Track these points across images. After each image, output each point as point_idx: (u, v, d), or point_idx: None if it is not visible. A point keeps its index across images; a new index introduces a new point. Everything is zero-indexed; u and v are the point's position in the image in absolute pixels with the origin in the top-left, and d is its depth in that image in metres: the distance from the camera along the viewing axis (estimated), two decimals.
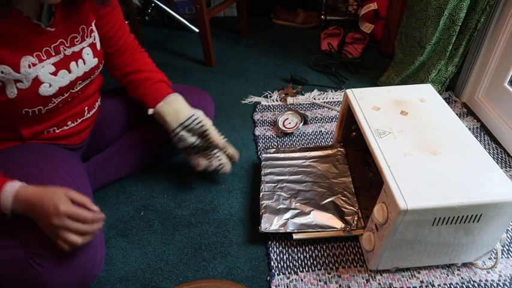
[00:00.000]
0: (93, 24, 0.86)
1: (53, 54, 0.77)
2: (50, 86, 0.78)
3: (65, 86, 0.82)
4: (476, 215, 0.71)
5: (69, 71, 0.81)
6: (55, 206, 0.67)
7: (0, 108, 0.73)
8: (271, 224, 0.91)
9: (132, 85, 0.99)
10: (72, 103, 0.88)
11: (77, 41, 0.82)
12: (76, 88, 0.86)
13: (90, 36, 0.85)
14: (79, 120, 0.91)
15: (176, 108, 0.94)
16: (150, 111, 0.95)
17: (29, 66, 0.73)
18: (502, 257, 0.89)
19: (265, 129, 1.30)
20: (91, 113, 0.95)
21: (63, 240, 0.67)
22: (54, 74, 0.78)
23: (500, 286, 0.83)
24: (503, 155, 1.16)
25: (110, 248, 0.94)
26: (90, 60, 0.86)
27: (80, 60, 0.84)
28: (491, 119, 1.25)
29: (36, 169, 0.79)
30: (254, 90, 1.51)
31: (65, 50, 0.79)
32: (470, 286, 0.83)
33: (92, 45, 0.86)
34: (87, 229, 0.70)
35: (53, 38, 0.77)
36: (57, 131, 0.87)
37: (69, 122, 0.89)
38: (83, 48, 0.84)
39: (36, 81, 0.76)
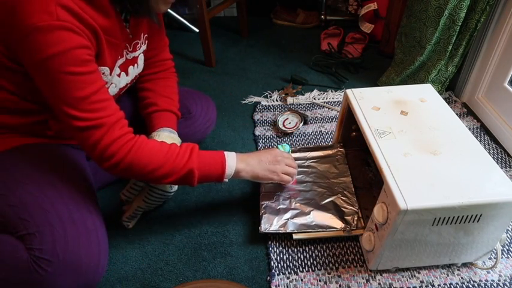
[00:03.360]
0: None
1: (120, 57, 0.81)
2: (115, 86, 0.83)
3: (122, 87, 0.87)
4: (476, 215, 0.71)
5: (127, 74, 0.86)
6: (273, 152, 0.91)
7: None
8: (271, 224, 0.91)
9: (143, 101, 1.00)
10: None
11: (138, 47, 0.86)
12: (123, 91, 0.90)
13: (145, 43, 0.90)
14: None
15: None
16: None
17: (115, 69, 0.79)
18: (502, 257, 0.89)
19: (265, 129, 1.30)
20: None
21: (279, 173, 0.90)
22: (119, 75, 0.83)
23: (500, 286, 0.83)
24: (503, 155, 1.16)
25: (110, 248, 0.93)
26: (141, 65, 0.92)
27: (136, 65, 0.88)
28: (491, 119, 1.25)
29: (48, 169, 0.79)
30: (254, 90, 1.51)
31: (127, 54, 0.83)
32: (470, 286, 0.83)
33: (145, 52, 0.91)
34: (295, 165, 0.95)
35: (126, 43, 0.81)
36: None
37: None
38: (140, 53, 0.89)
39: (111, 82, 0.81)
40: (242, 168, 0.85)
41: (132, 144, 0.74)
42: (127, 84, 0.89)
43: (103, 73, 0.76)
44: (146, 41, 0.90)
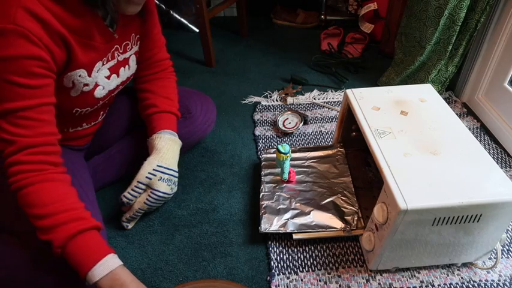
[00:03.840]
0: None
1: (110, 59, 0.80)
2: (103, 88, 0.82)
3: (112, 89, 0.86)
4: (476, 215, 0.71)
5: (118, 76, 0.85)
6: None
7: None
8: (271, 224, 0.91)
9: (143, 102, 1.00)
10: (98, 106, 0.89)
11: (128, 48, 0.85)
12: (115, 92, 0.89)
13: (137, 44, 0.89)
14: (92, 123, 0.93)
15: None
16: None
17: (97, 71, 0.78)
18: (502, 257, 0.89)
19: (265, 129, 1.30)
20: (103, 117, 0.96)
21: None
22: (108, 77, 0.82)
23: (500, 286, 0.83)
24: (503, 155, 1.16)
25: (110, 248, 0.93)
26: (133, 66, 0.91)
27: (127, 66, 0.87)
28: (491, 119, 1.25)
29: None
30: (254, 90, 1.51)
31: (118, 55, 0.83)
32: (470, 286, 0.83)
33: (136, 53, 0.90)
34: None
35: (114, 44, 0.80)
36: (71, 131, 0.88)
37: (84, 124, 0.90)
38: (131, 55, 0.88)
39: (96, 84, 0.79)
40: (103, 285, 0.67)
41: (36, 180, 0.66)
42: (118, 85, 0.88)
43: (79, 75, 0.74)
44: (138, 42, 0.90)
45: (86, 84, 0.77)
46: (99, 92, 0.82)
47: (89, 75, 0.76)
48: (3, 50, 0.59)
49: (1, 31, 0.57)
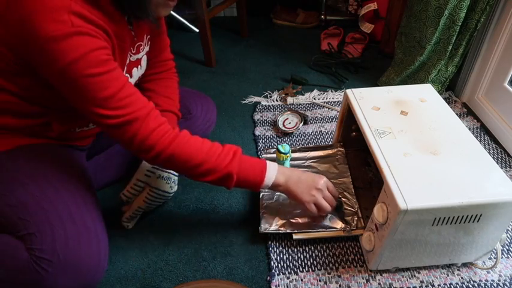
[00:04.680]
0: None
1: (126, 58, 0.81)
2: None
3: None
4: (476, 215, 0.71)
5: (131, 76, 0.86)
6: (316, 179, 0.85)
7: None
8: (271, 224, 0.91)
9: None
10: None
11: (141, 49, 0.86)
12: None
13: (148, 45, 0.90)
14: None
15: None
16: None
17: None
18: (502, 257, 0.89)
19: (265, 129, 1.30)
20: None
21: (318, 203, 0.85)
22: None
23: (500, 286, 0.83)
24: (503, 155, 1.16)
25: (110, 248, 0.93)
26: (144, 66, 0.91)
27: (139, 66, 0.88)
28: (491, 119, 1.25)
29: (48, 169, 0.79)
30: (254, 90, 1.51)
31: (130, 56, 0.83)
32: (470, 286, 0.83)
33: (147, 53, 0.91)
34: (334, 202, 0.88)
35: (131, 46, 0.81)
36: (78, 131, 0.88)
37: (91, 124, 0.90)
38: (143, 55, 0.88)
39: None
40: (281, 183, 0.82)
41: (173, 137, 0.73)
42: None
43: None
44: (149, 42, 0.90)
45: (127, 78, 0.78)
46: None
47: None
48: (74, 52, 0.61)
49: (66, 35, 0.60)
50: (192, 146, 0.75)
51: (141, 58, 0.88)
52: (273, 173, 0.81)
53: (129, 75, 0.85)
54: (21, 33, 0.61)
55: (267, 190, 1.00)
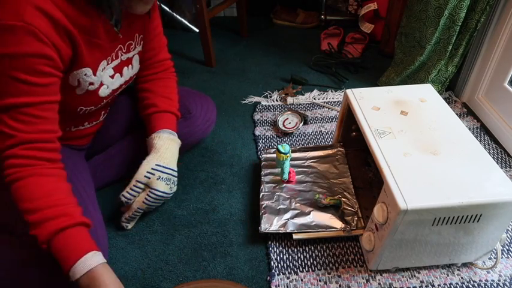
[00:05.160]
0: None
1: (114, 58, 0.81)
2: (107, 88, 0.83)
3: (115, 89, 0.86)
4: (476, 215, 0.71)
5: (121, 75, 0.86)
6: None
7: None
8: (271, 224, 0.91)
9: (143, 102, 1.00)
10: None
11: (132, 48, 0.86)
12: (118, 92, 0.90)
13: (140, 44, 0.89)
14: (94, 123, 0.93)
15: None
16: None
17: (102, 70, 0.78)
18: (502, 257, 0.89)
19: (265, 129, 1.30)
20: (104, 117, 0.96)
21: None
22: (112, 77, 0.83)
23: (500, 286, 0.83)
24: (503, 155, 1.16)
25: (110, 248, 0.94)
26: (136, 66, 0.91)
27: (130, 66, 0.88)
28: (491, 119, 1.25)
29: None
30: (254, 90, 1.51)
31: (121, 55, 0.83)
32: (470, 286, 0.83)
33: (140, 53, 0.90)
34: None
35: (118, 44, 0.81)
36: (73, 130, 0.88)
37: (86, 123, 0.90)
38: (134, 55, 0.88)
39: (101, 83, 0.80)
40: (83, 286, 0.66)
41: (27, 174, 0.66)
42: (121, 85, 0.89)
43: (85, 74, 0.75)
44: (141, 42, 0.90)
45: (91, 83, 0.77)
46: (104, 91, 0.82)
47: (94, 74, 0.77)
48: (11, 47, 0.59)
49: (10, 28, 0.58)
50: (33, 191, 0.66)
51: (132, 57, 0.87)
52: (82, 269, 0.65)
53: (119, 75, 0.85)
54: None
55: (267, 190, 1.00)
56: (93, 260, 0.66)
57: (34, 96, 0.65)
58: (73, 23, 0.66)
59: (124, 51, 0.83)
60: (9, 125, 0.64)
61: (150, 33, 0.93)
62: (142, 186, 0.91)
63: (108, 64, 0.80)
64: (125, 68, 0.86)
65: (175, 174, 0.95)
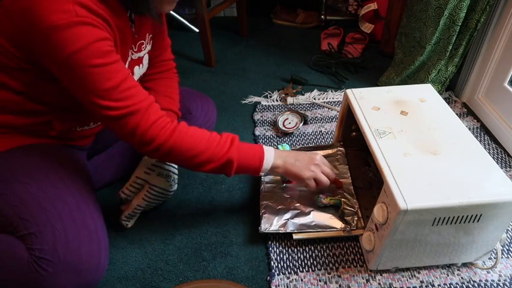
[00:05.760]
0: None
1: (127, 54, 0.81)
2: None
3: None
4: (476, 215, 0.71)
5: (133, 74, 0.86)
6: (313, 156, 0.88)
7: (72, 97, 0.73)
8: (271, 224, 0.91)
9: None
10: None
11: (143, 47, 0.86)
12: None
13: (150, 43, 0.90)
14: (98, 123, 0.93)
15: None
16: None
17: None
18: (502, 257, 0.89)
19: (265, 129, 1.30)
20: None
21: (317, 178, 0.87)
22: None
23: (500, 286, 0.83)
24: (503, 155, 1.16)
25: (110, 248, 0.93)
26: (145, 65, 0.91)
27: (141, 65, 0.88)
28: (491, 119, 1.25)
29: (49, 169, 0.79)
30: (254, 90, 1.51)
31: (132, 54, 0.83)
32: (470, 286, 0.83)
33: (149, 52, 0.91)
34: (332, 175, 0.90)
35: (132, 43, 0.81)
36: (78, 130, 0.88)
37: (91, 123, 0.91)
38: (145, 54, 0.89)
39: None
40: (279, 164, 0.84)
41: (173, 128, 0.74)
42: None
43: None
44: (151, 41, 0.90)
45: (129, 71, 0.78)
46: None
47: None
48: (78, 42, 0.61)
49: (70, 24, 0.60)
50: (192, 136, 0.76)
51: (142, 57, 0.88)
52: (270, 156, 0.83)
53: (130, 74, 0.85)
54: (25, 22, 0.61)
55: (267, 190, 1.00)
56: (270, 148, 0.85)
57: (120, 72, 0.68)
58: (112, 20, 0.68)
59: (135, 50, 0.83)
60: (122, 107, 0.68)
61: (158, 32, 0.94)
62: (142, 182, 0.91)
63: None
64: (136, 67, 0.87)
65: (176, 171, 0.95)
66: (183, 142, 0.75)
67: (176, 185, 0.96)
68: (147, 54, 0.90)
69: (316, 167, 0.87)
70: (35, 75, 0.71)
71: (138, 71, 0.88)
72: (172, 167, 0.93)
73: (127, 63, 0.82)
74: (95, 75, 0.65)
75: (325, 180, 0.88)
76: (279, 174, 0.88)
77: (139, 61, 0.87)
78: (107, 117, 0.69)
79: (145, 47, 0.88)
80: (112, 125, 0.71)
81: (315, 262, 0.88)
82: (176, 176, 0.95)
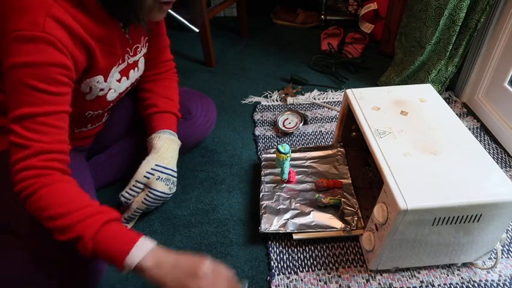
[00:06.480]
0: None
1: (121, 62, 0.81)
2: (115, 91, 0.83)
3: (122, 91, 0.86)
4: (476, 215, 0.71)
5: (128, 78, 0.86)
6: (198, 265, 0.64)
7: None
8: (271, 224, 0.91)
9: (144, 102, 1.00)
10: None
11: (138, 51, 0.86)
12: (123, 94, 0.90)
13: (145, 46, 0.89)
14: (96, 125, 0.93)
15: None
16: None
17: (112, 76, 0.78)
18: (502, 257, 0.89)
19: (265, 129, 1.30)
20: (106, 118, 0.97)
21: None
22: (119, 81, 0.83)
23: (500, 286, 0.83)
24: (503, 155, 1.16)
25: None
26: (141, 68, 0.91)
27: (136, 68, 0.88)
28: (491, 119, 1.25)
29: None
30: (254, 90, 1.51)
31: (128, 58, 0.83)
32: (470, 286, 0.83)
33: (145, 55, 0.91)
34: (230, 280, 0.66)
35: (126, 48, 0.81)
36: (76, 131, 0.88)
37: (89, 125, 0.91)
38: (140, 57, 0.88)
39: (109, 88, 0.80)
40: (148, 267, 0.64)
41: (43, 183, 0.64)
42: (127, 88, 0.89)
43: (97, 81, 0.75)
44: (146, 44, 0.90)
45: (102, 89, 0.78)
46: (111, 95, 0.83)
47: (105, 81, 0.78)
48: (31, 56, 0.60)
49: (32, 38, 0.59)
50: (60, 197, 0.65)
51: (138, 60, 0.88)
52: (141, 252, 0.64)
53: (125, 78, 0.85)
54: (1, 29, 0.60)
55: (267, 190, 1.00)
56: (149, 242, 0.66)
57: (51, 105, 0.64)
58: (89, 33, 0.67)
59: (131, 54, 0.83)
60: (23, 136, 0.62)
61: (156, 34, 0.94)
62: (141, 186, 0.91)
63: (115, 68, 0.80)
64: (131, 70, 0.86)
65: (175, 174, 0.95)
66: (46, 200, 0.64)
67: (175, 188, 0.96)
68: (142, 57, 0.90)
69: (198, 281, 0.63)
70: None
71: (134, 75, 0.88)
72: (172, 170, 0.93)
73: (121, 68, 0.81)
74: (25, 96, 0.61)
75: None
76: (148, 279, 0.65)
77: (134, 65, 0.87)
78: (9, 139, 0.63)
79: (141, 50, 0.87)
80: (9, 150, 0.64)
81: (315, 262, 0.88)
82: (175, 179, 0.95)
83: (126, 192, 0.90)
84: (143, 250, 0.64)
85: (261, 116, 1.36)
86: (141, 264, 0.63)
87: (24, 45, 0.59)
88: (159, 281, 0.64)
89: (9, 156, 0.64)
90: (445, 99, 1.38)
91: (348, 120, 1.03)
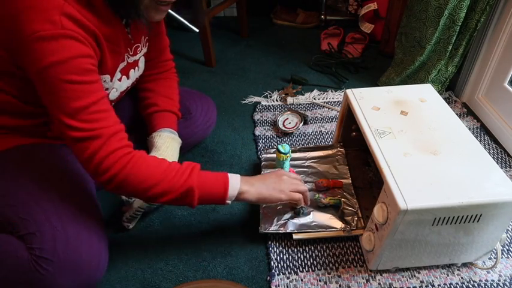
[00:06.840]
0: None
1: (121, 62, 0.81)
2: (116, 91, 0.83)
3: (123, 91, 0.87)
4: (476, 215, 0.71)
5: (128, 78, 0.86)
6: (279, 171, 0.87)
7: None
8: (271, 224, 0.91)
9: (144, 102, 1.00)
10: None
11: (138, 50, 0.86)
12: (123, 94, 0.90)
13: (145, 46, 0.89)
14: None
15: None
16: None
17: (115, 75, 0.79)
18: (502, 257, 0.89)
19: (265, 129, 1.30)
20: None
21: (286, 191, 0.83)
22: (120, 80, 0.83)
23: (500, 286, 0.83)
24: (503, 155, 1.16)
25: (110, 247, 0.93)
26: (141, 67, 0.91)
27: (136, 68, 0.88)
28: (491, 119, 1.25)
29: (48, 169, 0.79)
30: (254, 90, 1.51)
31: (128, 57, 0.83)
32: (470, 286, 0.83)
33: (145, 54, 0.91)
34: (304, 190, 0.87)
35: (128, 47, 0.81)
36: None
37: None
38: (141, 57, 0.88)
39: (112, 87, 0.81)
40: (246, 190, 0.80)
41: (129, 159, 0.70)
42: (128, 87, 0.89)
43: (104, 81, 0.76)
44: (147, 44, 0.90)
45: (106, 89, 0.78)
46: (113, 95, 0.83)
47: (111, 80, 0.78)
48: (58, 54, 0.61)
49: (54, 36, 0.60)
50: (148, 166, 0.72)
51: (138, 59, 0.88)
52: (235, 182, 0.79)
53: (126, 77, 0.85)
54: (11, 29, 0.60)
55: None
56: (235, 175, 0.80)
57: (94, 94, 0.66)
58: (100, 31, 0.68)
59: (131, 53, 0.83)
60: (85, 129, 0.65)
61: (155, 34, 0.94)
62: None
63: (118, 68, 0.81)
64: (132, 70, 0.87)
65: None
66: (138, 173, 0.70)
67: None
68: (142, 57, 0.90)
69: (284, 181, 0.84)
70: (24, 80, 0.70)
71: (134, 74, 0.88)
72: None
73: (121, 67, 0.82)
74: (67, 92, 0.63)
75: (301, 189, 0.86)
76: (250, 200, 0.82)
77: (134, 64, 0.87)
78: (69, 137, 0.65)
79: (141, 49, 0.87)
80: (73, 147, 0.67)
81: (315, 262, 0.88)
82: None
83: None
84: (236, 181, 0.79)
85: (261, 116, 1.36)
86: (241, 190, 0.79)
87: (48, 45, 0.60)
88: (258, 196, 0.82)
89: (79, 153, 0.67)
90: (445, 99, 1.38)
91: (348, 120, 1.03)
